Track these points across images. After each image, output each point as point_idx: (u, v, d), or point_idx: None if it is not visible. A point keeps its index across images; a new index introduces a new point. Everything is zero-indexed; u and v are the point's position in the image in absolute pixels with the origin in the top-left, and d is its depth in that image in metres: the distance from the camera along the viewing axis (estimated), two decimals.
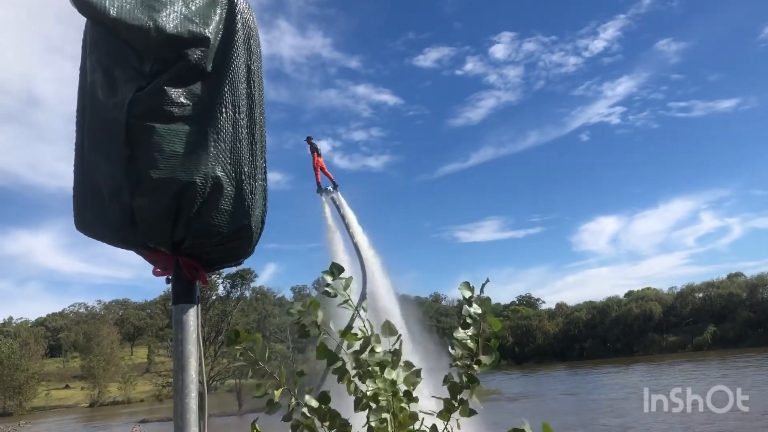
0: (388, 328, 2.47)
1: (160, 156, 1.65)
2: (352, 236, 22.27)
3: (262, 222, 1.82)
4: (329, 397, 2.62)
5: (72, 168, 1.80)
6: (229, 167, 1.73)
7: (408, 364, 2.70)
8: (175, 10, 1.69)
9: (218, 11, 1.76)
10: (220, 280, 73.42)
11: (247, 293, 79.24)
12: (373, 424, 2.59)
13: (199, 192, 1.67)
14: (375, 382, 2.60)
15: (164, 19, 1.65)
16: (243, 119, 1.76)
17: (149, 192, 1.65)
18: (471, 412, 2.74)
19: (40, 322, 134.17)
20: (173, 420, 1.78)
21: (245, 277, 75.84)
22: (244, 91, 1.77)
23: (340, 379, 2.64)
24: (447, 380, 2.76)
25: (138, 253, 1.84)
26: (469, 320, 2.71)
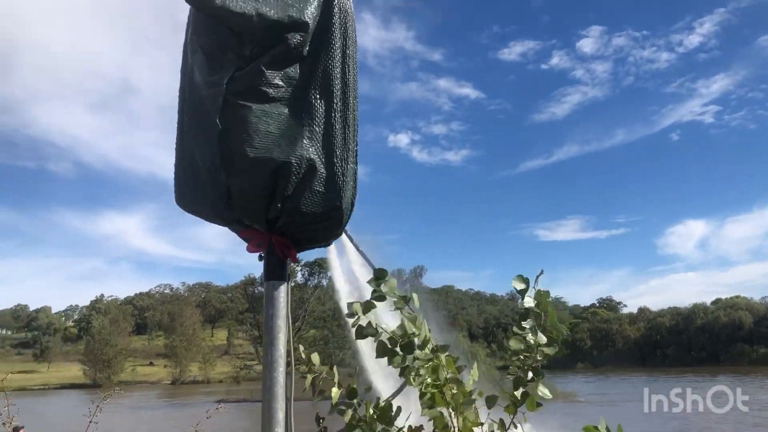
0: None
1: (255, 135, 1.70)
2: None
3: (352, 204, 1.86)
4: (391, 404, 2.65)
5: (174, 148, 1.89)
6: (322, 150, 1.77)
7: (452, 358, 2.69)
8: None
9: None
10: (299, 268, 75.03)
11: (324, 282, 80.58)
12: (428, 416, 2.61)
13: (294, 172, 1.71)
14: (431, 375, 2.60)
15: (266, 5, 1.69)
16: (337, 103, 1.80)
17: (245, 171, 1.70)
18: (537, 405, 2.71)
19: (128, 301, 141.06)
20: (262, 393, 1.84)
21: (322, 265, 77.22)
22: (339, 75, 1.81)
23: (401, 374, 2.65)
24: (511, 373, 2.74)
25: (232, 230, 1.92)
26: (527, 311, 2.68)
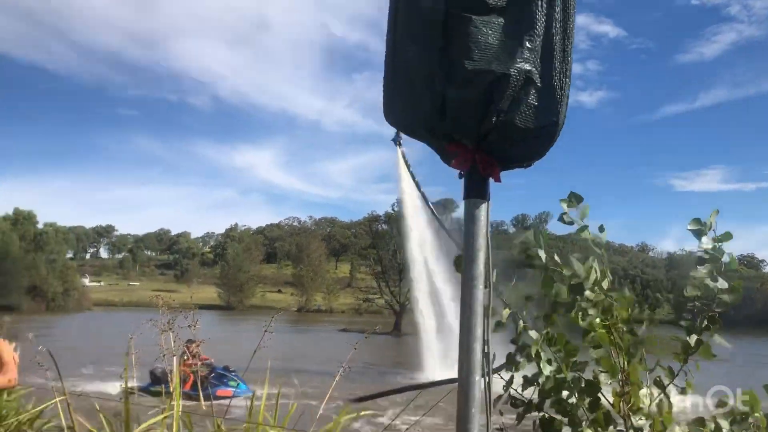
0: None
1: (474, 47, 1.65)
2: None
3: (563, 122, 1.79)
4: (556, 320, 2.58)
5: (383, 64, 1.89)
6: (541, 62, 1.70)
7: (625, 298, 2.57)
8: None
9: None
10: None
11: (448, 223, 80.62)
12: (595, 356, 2.53)
13: (512, 85, 1.66)
14: (600, 315, 2.52)
15: None
16: (558, 14, 1.71)
17: (462, 82, 1.67)
18: (711, 355, 2.56)
19: (259, 231, 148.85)
20: (461, 308, 1.85)
21: (446, 206, 77.26)
22: None
23: (568, 310, 2.58)
24: (683, 319, 2.60)
25: (435, 146, 1.90)
26: (705, 256, 2.52)
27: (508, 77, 1.65)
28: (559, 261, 2.55)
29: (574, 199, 2.37)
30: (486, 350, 1.89)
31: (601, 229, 2.47)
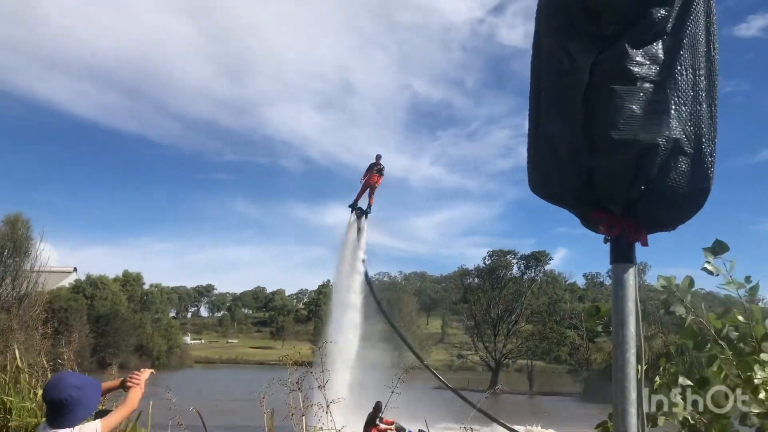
0: None
1: (620, 117, 1.70)
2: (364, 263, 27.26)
3: (711, 186, 1.80)
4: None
5: (526, 136, 1.98)
6: (690, 129, 1.73)
7: None
8: None
9: None
10: (515, 261, 74.24)
11: (539, 276, 78.79)
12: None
13: (661, 153, 1.70)
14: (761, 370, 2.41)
15: None
16: (702, 81, 1.75)
17: (609, 152, 1.72)
18: None
19: None
20: (613, 372, 1.86)
21: (540, 258, 75.70)
22: (703, 52, 1.76)
23: (708, 364, 2.50)
24: None
25: (579, 214, 1.95)
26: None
27: (657, 146, 1.69)
28: (704, 311, 2.49)
29: (719, 247, 2.33)
30: (639, 413, 1.88)
31: (748, 281, 2.39)
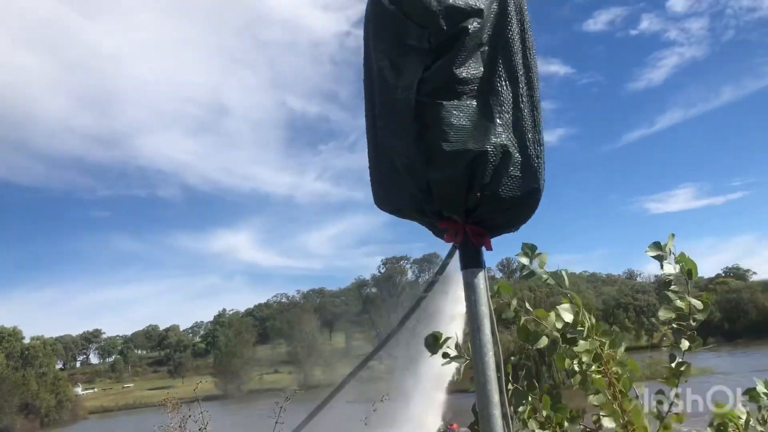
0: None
1: (450, 130, 1.75)
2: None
3: (543, 186, 1.89)
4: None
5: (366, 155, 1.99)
6: (514, 135, 1.81)
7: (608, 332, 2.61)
8: None
9: None
10: (409, 266, 75.45)
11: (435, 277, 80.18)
12: (596, 402, 2.56)
13: (491, 160, 1.76)
14: (584, 360, 2.55)
15: None
16: (523, 87, 1.83)
17: (443, 164, 1.77)
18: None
19: (248, 313, 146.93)
20: (474, 377, 1.90)
21: (432, 261, 77.44)
22: (520, 60, 1.84)
23: (549, 355, 2.62)
24: (665, 343, 2.66)
25: (426, 224, 1.99)
26: (670, 278, 2.58)
27: (486, 154, 1.76)
28: (531, 309, 2.60)
29: (528, 249, 2.44)
30: (504, 412, 1.93)
31: (557, 276, 2.51)
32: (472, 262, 1.94)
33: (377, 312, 75.14)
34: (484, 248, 1.95)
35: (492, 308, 1.95)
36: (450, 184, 1.79)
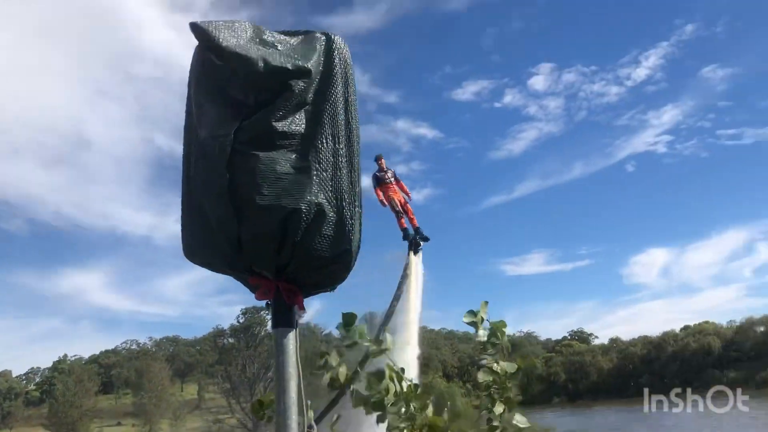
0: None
1: (264, 183, 1.71)
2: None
3: (358, 248, 1.88)
4: None
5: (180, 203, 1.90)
6: (331, 194, 1.79)
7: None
8: (283, 44, 1.80)
9: (318, 46, 1.85)
10: (269, 316, 73.75)
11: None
12: None
13: (304, 218, 1.73)
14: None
15: (271, 52, 1.74)
16: (342, 148, 1.83)
17: (255, 219, 1.72)
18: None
19: (93, 359, 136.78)
20: None
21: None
22: (342, 121, 1.85)
23: (380, 420, 2.61)
24: (482, 407, 2.74)
25: (239, 279, 1.92)
26: (486, 344, 2.69)
27: (300, 211, 1.73)
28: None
29: (348, 319, 2.43)
30: None
31: (380, 342, 2.50)
32: (283, 322, 1.88)
33: (233, 363, 72.47)
34: (297, 307, 1.91)
35: (300, 371, 1.89)
36: (261, 240, 1.74)
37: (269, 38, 1.79)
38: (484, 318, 2.56)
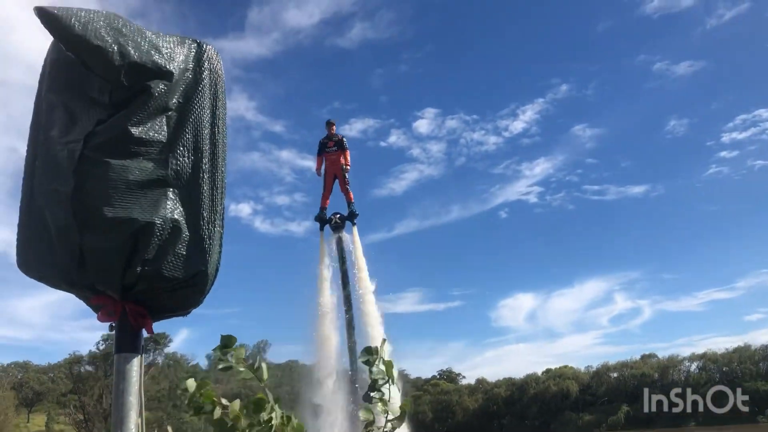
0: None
1: (114, 193, 1.57)
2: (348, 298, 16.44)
3: (217, 270, 1.76)
4: None
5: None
6: (188, 210, 1.67)
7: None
8: (142, 39, 1.65)
9: (185, 51, 1.74)
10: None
11: (160, 359, 75.53)
12: None
13: (157, 234, 1.60)
14: None
15: (129, 45, 1.59)
16: (206, 163, 1.72)
17: (101, 231, 1.56)
18: None
19: None
20: None
21: (159, 341, 72.67)
22: (208, 135, 1.74)
23: None
24: None
25: (81, 297, 1.74)
26: (375, 383, 2.67)
27: (153, 226, 1.59)
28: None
29: (227, 342, 2.32)
30: None
31: (255, 370, 2.40)
32: (126, 347, 1.72)
33: (89, 393, 67.77)
34: (144, 332, 1.76)
35: (143, 399, 1.73)
36: (106, 255, 1.58)
37: (129, 31, 1.63)
38: (383, 357, 2.50)
